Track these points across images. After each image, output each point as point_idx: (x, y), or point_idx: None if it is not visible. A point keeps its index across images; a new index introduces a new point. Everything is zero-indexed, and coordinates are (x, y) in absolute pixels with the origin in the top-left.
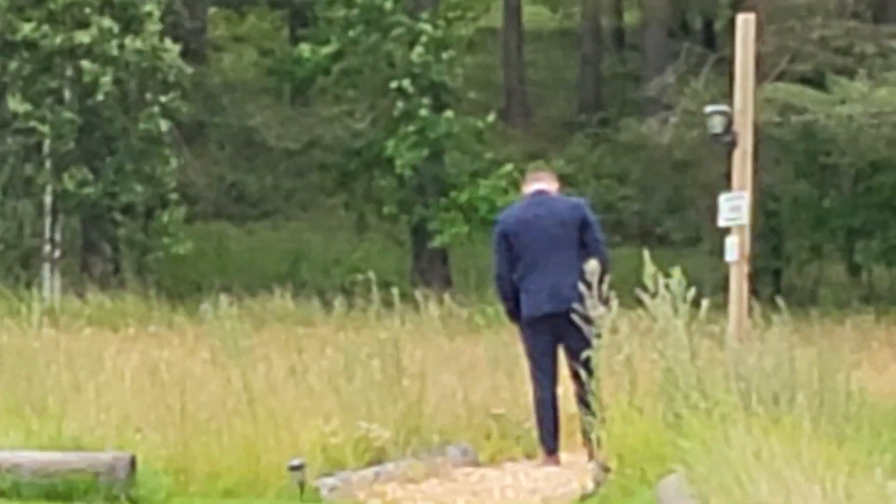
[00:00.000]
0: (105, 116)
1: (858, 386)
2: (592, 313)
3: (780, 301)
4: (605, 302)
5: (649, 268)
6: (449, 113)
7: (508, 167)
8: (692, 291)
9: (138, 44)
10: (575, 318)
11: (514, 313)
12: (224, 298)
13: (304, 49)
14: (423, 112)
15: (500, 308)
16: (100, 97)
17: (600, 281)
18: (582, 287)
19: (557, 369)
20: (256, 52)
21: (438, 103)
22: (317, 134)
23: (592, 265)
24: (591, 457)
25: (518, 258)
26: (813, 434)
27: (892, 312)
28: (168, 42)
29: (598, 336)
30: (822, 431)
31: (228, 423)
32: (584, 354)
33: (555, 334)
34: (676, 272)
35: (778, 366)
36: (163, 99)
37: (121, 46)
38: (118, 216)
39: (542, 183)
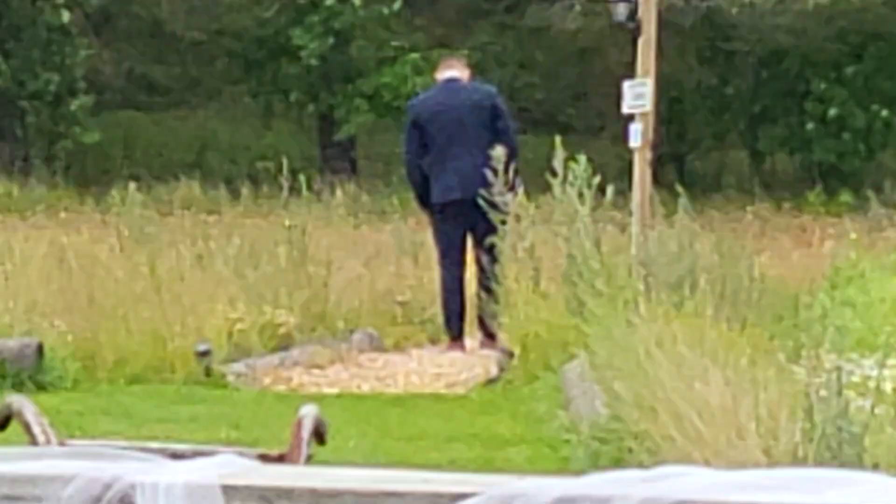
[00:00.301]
0: (11, 6)
1: (760, 272)
2: (498, 199)
3: (681, 188)
4: (512, 188)
5: (559, 153)
6: (356, 0)
7: (414, 55)
8: (596, 178)
9: None
10: (482, 204)
11: (424, 199)
12: (132, 186)
13: None
14: (329, 0)
15: (407, 195)
16: None
17: (507, 168)
18: (489, 174)
19: (465, 255)
20: None
21: None
22: (224, 23)
23: (499, 151)
24: (483, 344)
25: (428, 145)
26: (714, 319)
27: (794, 200)
28: None
29: (504, 222)
30: (723, 317)
31: (135, 310)
32: (489, 240)
33: (463, 221)
34: (582, 159)
35: (680, 252)
36: None
37: None
38: (26, 104)
39: (453, 70)
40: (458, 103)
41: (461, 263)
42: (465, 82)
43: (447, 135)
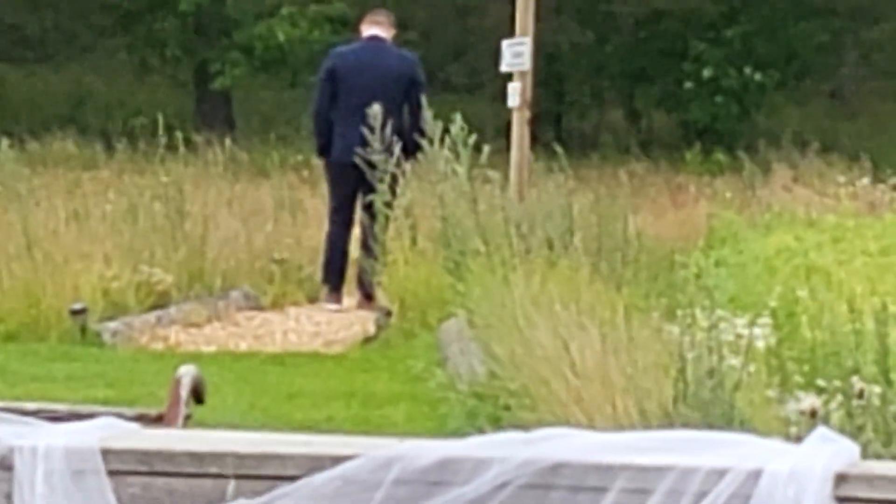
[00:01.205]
0: None
1: (636, 231)
2: (377, 159)
3: (559, 147)
4: (388, 148)
5: (427, 113)
6: None
7: (291, 8)
8: (473, 137)
9: None
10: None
11: (325, 151)
12: (3, 141)
13: None
14: None
15: (286, 152)
16: None
17: (412, 140)
18: (366, 132)
19: (354, 215)
20: None
21: None
22: None
23: (375, 109)
24: (361, 304)
25: (339, 99)
26: (591, 278)
27: (671, 159)
28: None
29: (381, 181)
30: (600, 276)
31: (8, 267)
32: (367, 199)
33: (359, 181)
34: (457, 117)
35: (557, 211)
36: None
37: None
38: None
39: (379, 28)
40: (377, 64)
41: (350, 222)
42: (391, 45)
43: (360, 95)
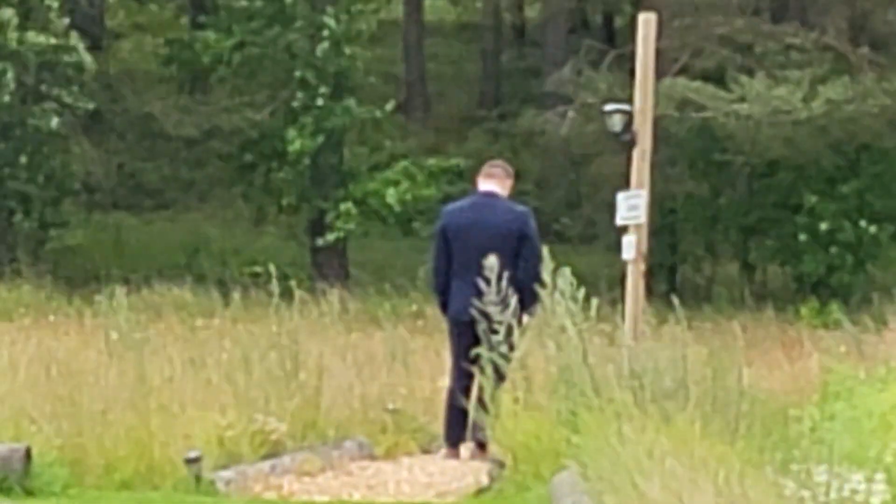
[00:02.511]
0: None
1: (750, 384)
2: (490, 311)
3: (674, 299)
4: (504, 301)
5: (548, 264)
6: (350, 101)
7: (405, 161)
8: (583, 289)
9: (42, 39)
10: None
11: (445, 307)
12: (120, 289)
13: (206, 37)
14: (322, 101)
15: (399, 302)
16: (6, 97)
17: (531, 294)
18: (481, 284)
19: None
20: (156, 41)
21: (339, 96)
22: (215, 124)
23: (491, 261)
24: (474, 454)
25: (453, 257)
26: (704, 432)
27: (785, 311)
28: (74, 36)
29: (495, 333)
30: (713, 430)
31: (123, 415)
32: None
33: (476, 336)
34: (566, 271)
35: (671, 364)
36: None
37: (20, 41)
38: (14, 205)
39: (493, 182)
40: (488, 220)
41: (469, 375)
42: (502, 198)
43: (470, 251)
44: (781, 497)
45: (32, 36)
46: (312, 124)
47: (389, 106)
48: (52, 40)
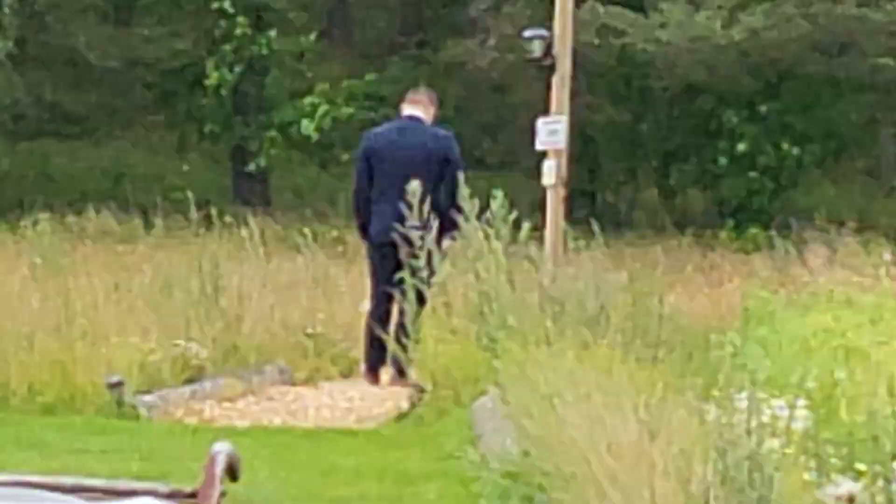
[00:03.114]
0: None
1: (670, 309)
2: (412, 235)
3: (594, 224)
4: (426, 225)
5: (464, 190)
6: (271, 32)
7: (324, 85)
8: (513, 214)
9: None
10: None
11: (365, 230)
12: (44, 215)
13: None
14: (242, 31)
15: (321, 229)
16: None
17: (449, 217)
18: (404, 209)
19: (394, 293)
20: None
21: (260, 23)
22: (139, 54)
23: (414, 186)
24: (394, 380)
25: (375, 180)
26: (625, 358)
27: (705, 236)
28: None
29: (417, 258)
30: (634, 355)
31: (47, 340)
32: (396, 275)
33: (397, 260)
34: (499, 194)
35: (591, 289)
36: None
37: None
38: None
39: (417, 107)
40: (411, 145)
41: (390, 301)
42: (425, 123)
43: (393, 175)
44: (702, 422)
45: None
46: (232, 54)
47: (312, 37)
48: None
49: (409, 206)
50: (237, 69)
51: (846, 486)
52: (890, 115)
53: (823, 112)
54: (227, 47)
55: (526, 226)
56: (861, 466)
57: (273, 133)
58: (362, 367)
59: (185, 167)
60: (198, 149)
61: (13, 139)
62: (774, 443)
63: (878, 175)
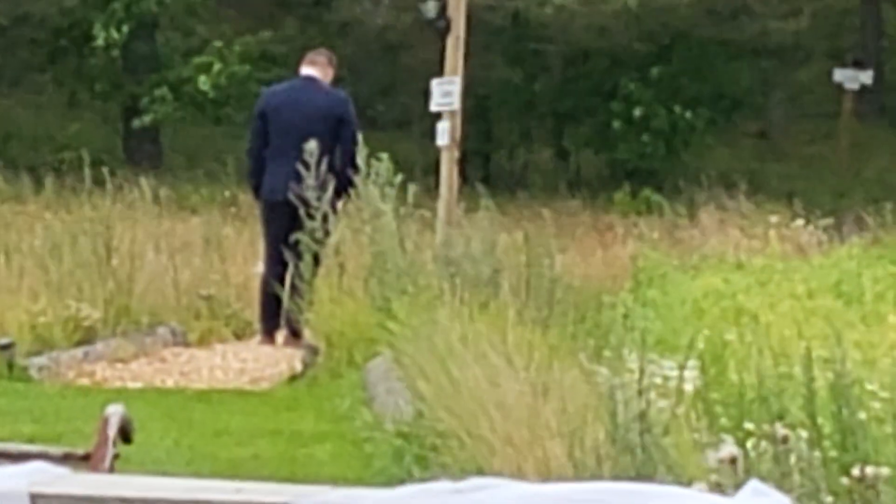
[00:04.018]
0: None
1: (563, 271)
2: (310, 196)
3: (486, 187)
4: (321, 186)
5: (362, 150)
6: None
7: (218, 43)
8: (401, 176)
9: None
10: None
11: (258, 190)
12: None
13: None
14: None
15: (213, 189)
16: None
17: (344, 177)
18: (300, 169)
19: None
20: None
21: None
22: (26, 10)
23: (311, 146)
24: (287, 341)
25: (270, 138)
26: (518, 318)
27: (599, 198)
28: None
29: (311, 219)
30: (527, 316)
31: None
32: (292, 237)
33: (291, 220)
34: (384, 156)
35: (485, 250)
36: None
37: None
38: None
39: (314, 68)
40: (306, 103)
41: (284, 262)
42: (321, 83)
43: (287, 134)
44: (595, 384)
45: None
46: (122, 10)
47: None
48: None
49: (306, 166)
50: (126, 27)
51: (728, 449)
52: (781, 78)
53: (715, 75)
54: (117, 5)
55: (412, 187)
56: (750, 426)
57: (164, 91)
58: (258, 328)
59: (76, 126)
60: (88, 107)
61: None
62: (664, 403)
63: (768, 137)
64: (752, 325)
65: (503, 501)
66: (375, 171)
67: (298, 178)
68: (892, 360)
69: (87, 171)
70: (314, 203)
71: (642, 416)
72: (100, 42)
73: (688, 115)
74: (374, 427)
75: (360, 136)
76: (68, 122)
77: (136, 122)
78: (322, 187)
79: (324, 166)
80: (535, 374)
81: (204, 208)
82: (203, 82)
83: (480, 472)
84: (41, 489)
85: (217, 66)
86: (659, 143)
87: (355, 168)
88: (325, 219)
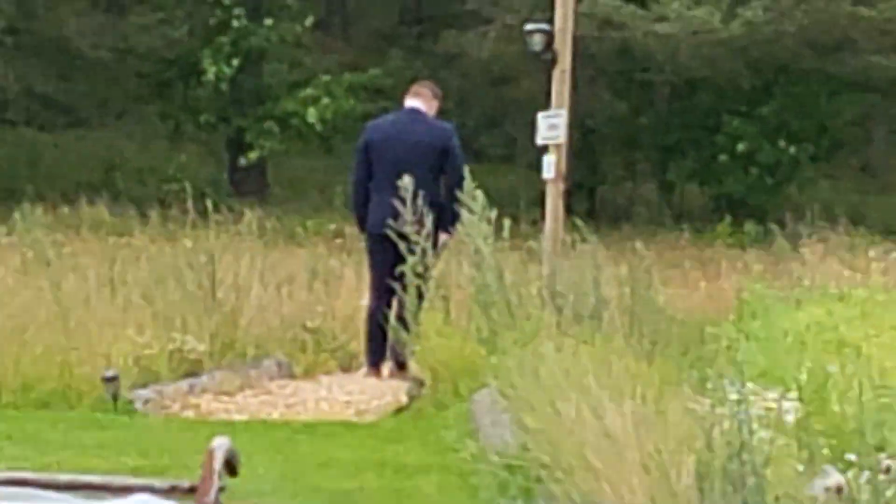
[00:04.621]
0: None
1: (667, 303)
2: (407, 230)
3: (591, 219)
4: (421, 220)
5: (468, 184)
6: (268, 21)
7: (326, 77)
8: (501, 209)
9: None
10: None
11: (363, 222)
12: (35, 207)
13: None
14: (239, 22)
15: (319, 220)
16: None
17: (450, 210)
18: (397, 204)
19: (394, 285)
20: None
21: (257, 14)
22: (132, 44)
23: (405, 181)
24: (393, 373)
25: (374, 171)
26: (623, 351)
27: (703, 231)
28: None
29: (412, 252)
30: (632, 349)
31: (40, 334)
32: (397, 269)
33: (396, 252)
34: (479, 194)
35: (590, 283)
36: None
37: None
38: None
39: (419, 100)
40: (410, 137)
41: (390, 294)
42: (426, 115)
43: (392, 165)
44: (697, 415)
45: None
46: (229, 45)
47: (309, 22)
48: None
49: (403, 201)
50: (234, 61)
51: (834, 478)
52: (883, 113)
53: (818, 110)
54: (224, 38)
55: (507, 222)
56: (851, 457)
57: (270, 124)
58: (363, 360)
59: (181, 158)
60: (194, 139)
61: (2, 129)
62: (766, 434)
63: (870, 172)
64: (853, 357)
65: None
66: (479, 204)
67: (398, 213)
68: None
69: (190, 203)
70: (415, 236)
71: (743, 447)
72: (210, 76)
73: (792, 149)
74: (480, 459)
75: (465, 169)
76: (174, 155)
77: (242, 160)
78: (421, 221)
79: (422, 199)
80: (640, 406)
81: (310, 240)
82: (310, 115)
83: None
84: None
85: (324, 100)
86: (764, 176)
87: (460, 200)
88: (425, 252)
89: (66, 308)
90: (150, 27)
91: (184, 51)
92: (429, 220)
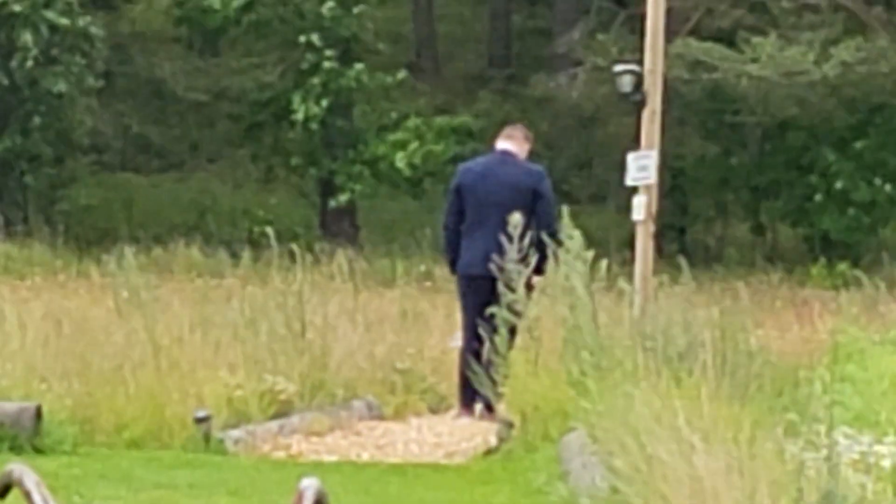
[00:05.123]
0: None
1: (760, 345)
2: (509, 268)
3: (683, 260)
4: (524, 260)
5: (562, 224)
6: (359, 65)
7: (416, 120)
8: (593, 250)
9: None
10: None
11: (454, 264)
12: (129, 249)
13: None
14: (330, 65)
15: (408, 262)
16: (29, 63)
17: (541, 252)
18: (503, 241)
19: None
20: (167, 1)
21: (347, 57)
22: (225, 86)
23: (515, 218)
24: (483, 415)
25: (466, 213)
26: (714, 394)
27: (796, 272)
28: (84, 19)
29: (511, 290)
30: (723, 392)
31: (133, 374)
32: (488, 310)
33: (488, 294)
34: (577, 233)
35: (680, 325)
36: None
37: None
38: (25, 165)
39: (510, 143)
40: (502, 179)
41: (481, 334)
42: (517, 158)
43: (483, 208)
44: (790, 459)
45: (55, 16)
46: (319, 87)
47: (402, 74)
48: (64, 20)
49: (510, 239)
50: (324, 102)
51: None
52: None
53: None
54: (315, 80)
55: (604, 263)
56: None
57: (360, 167)
58: (454, 402)
59: (272, 200)
60: (285, 182)
61: (98, 172)
62: (861, 479)
63: None
64: None
65: None
66: (577, 244)
67: (496, 252)
68: None
69: (275, 245)
70: (515, 276)
71: (829, 495)
72: (299, 116)
73: (887, 188)
74: (570, 502)
75: (556, 210)
76: (265, 197)
77: (331, 203)
78: (524, 261)
79: (526, 239)
80: (733, 449)
81: (399, 282)
82: (399, 159)
83: None
84: None
85: (413, 145)
86: (861, 216)
87: (556, 241)
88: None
89: (159, 348)
90: (243, 70)
91: (275, 93)
92: (533, 260)
